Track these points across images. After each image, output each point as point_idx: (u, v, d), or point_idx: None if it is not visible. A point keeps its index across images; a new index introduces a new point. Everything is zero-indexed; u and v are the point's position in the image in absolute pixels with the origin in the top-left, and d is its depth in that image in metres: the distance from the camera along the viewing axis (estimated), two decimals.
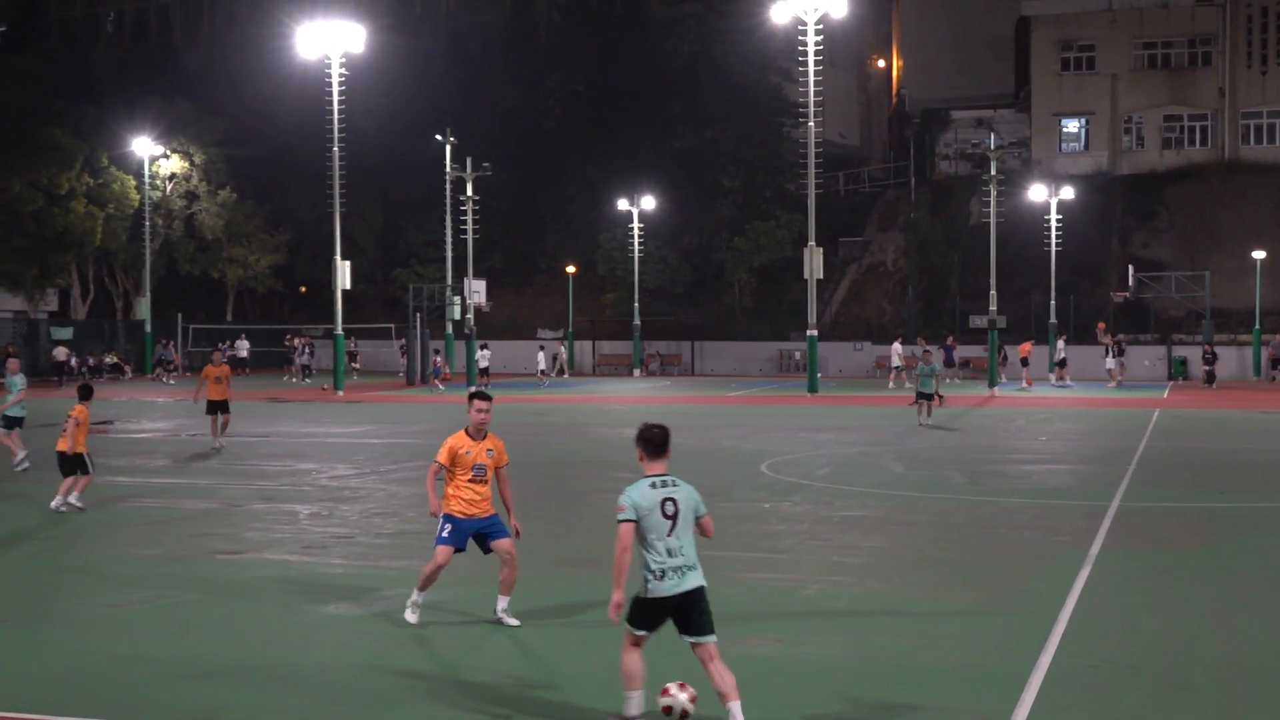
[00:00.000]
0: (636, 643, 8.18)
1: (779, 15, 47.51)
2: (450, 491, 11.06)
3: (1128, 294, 61.40)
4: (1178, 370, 60.76)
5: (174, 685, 9.52)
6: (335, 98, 48.35)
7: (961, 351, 60.49)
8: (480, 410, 11.07)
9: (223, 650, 10.46)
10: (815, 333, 49.19)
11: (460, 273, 60.00)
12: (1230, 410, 39.92)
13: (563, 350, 63.77)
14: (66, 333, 65.47)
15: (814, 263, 47.24)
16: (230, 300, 78.66)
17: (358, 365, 67.25)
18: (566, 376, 59.47)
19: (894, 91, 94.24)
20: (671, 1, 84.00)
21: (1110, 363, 54.30)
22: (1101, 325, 59.12)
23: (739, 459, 24.88)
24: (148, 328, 66.40)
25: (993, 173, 53.92)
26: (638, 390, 53.42)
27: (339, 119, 48.56)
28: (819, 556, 14.47)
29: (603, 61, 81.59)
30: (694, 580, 8.19)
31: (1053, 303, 62.44)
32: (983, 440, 29.66)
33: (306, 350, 62.80)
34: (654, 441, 8.38)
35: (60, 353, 58.47)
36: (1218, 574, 13.64)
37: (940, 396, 34.88)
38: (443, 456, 11.06)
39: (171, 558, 14.49)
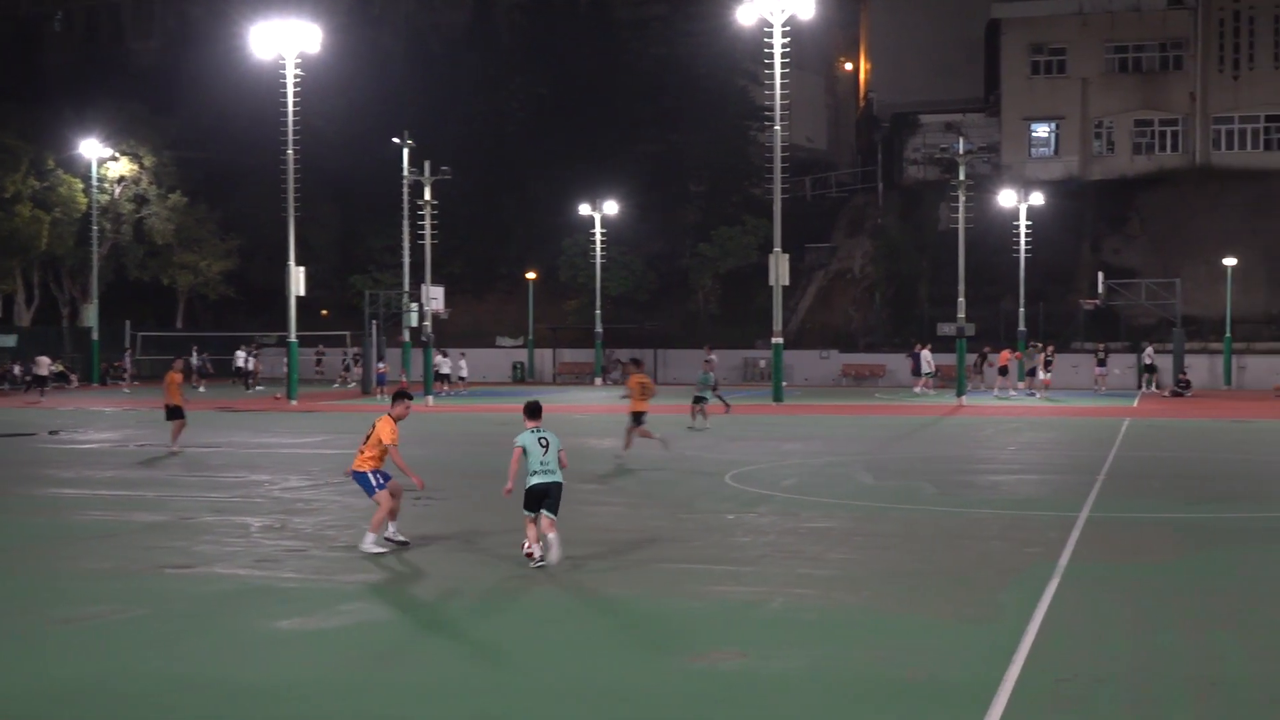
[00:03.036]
0: (533, 522, 14.41)
1: (745, 17, 47.63)
2: (376, 455, 15.64)
3: (1098, 301, 61.76)
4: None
5: (124, 702, 9.47)
6: (290, 99, 48.21)
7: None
8: (409, 406, 15.95)
9: (174, 666, 10.40)
10: (781, 340, 49.32)
11: (419, 279, 59.87)
12: (1201, 419, 40.20)
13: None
14: (10, 340, 65.01)
15: (780, 269, 47.36)
16: (181, 307, 78.26)
17: (321, 371, 67.31)
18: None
19: (862, 95, 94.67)
20: (637, 2, 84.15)
21: (1042, 374, 55.18)
22: (1036, 344, 59.75)
23: (703, 470, 24.90)
24: (95, 335, 66.02)
25: (962, 178, 54.18)
26: (599, 399, 53.39)
27: (294, 121, 48.43)
28: (785, 569, 14.49)
29: (567, 64, 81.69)
30: (552, 478, 14.40)
31: (1022, 310, 62.75)
32: (952, 450, 29.79)
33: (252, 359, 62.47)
34: (531, 411, 14.78)
35: (42, 364, 56.83)
36: (1189, 585, 13.73)
37: (728, 405, 39.68)
38: (391, 438, 15.64)
39: (121, 572, 14.40)
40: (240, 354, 64.06)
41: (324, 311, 69.97)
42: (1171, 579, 14.04)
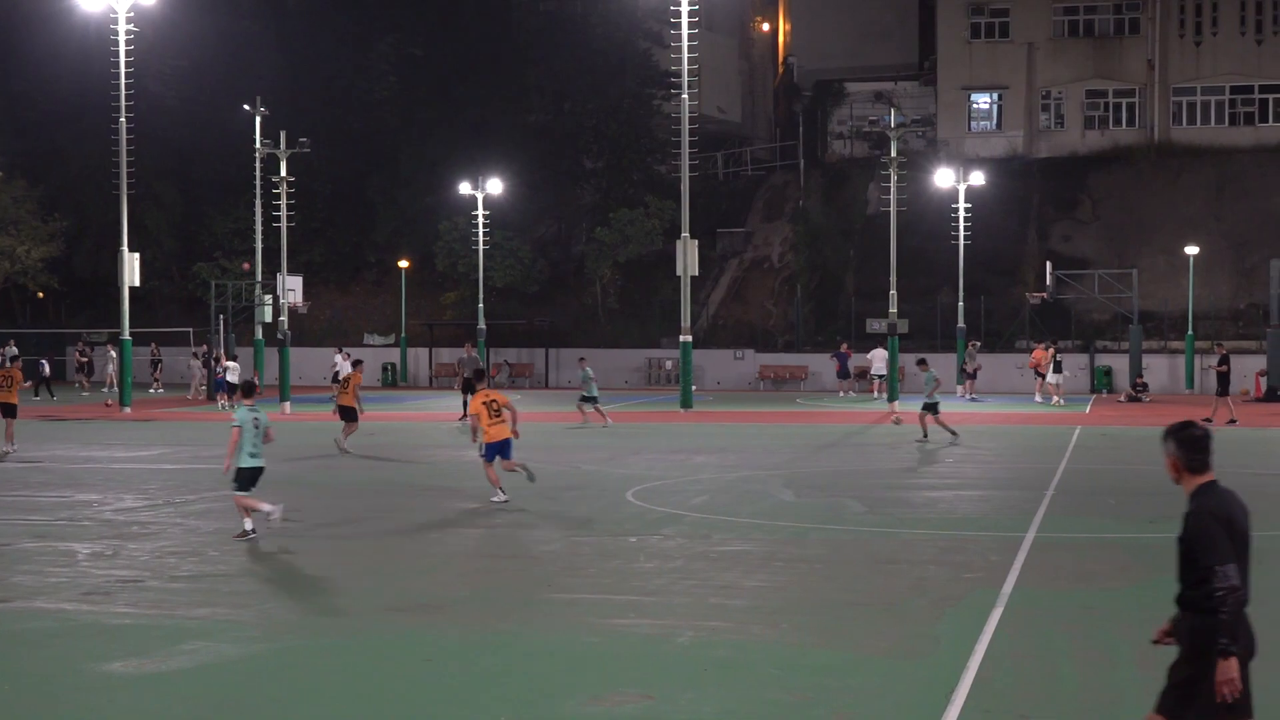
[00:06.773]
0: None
1: None
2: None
3: (1045, 295, 62.28)
4: (1101, 382, 61.71)
5: None
6: (122, 60, 47.51)
7: (857, 360, 61.03)
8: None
9: None
10: (689, 338, 49.45)
11: (273, 268, 59.31)
12: (1158, 427, 40.80)
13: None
14: None
15: (688, 257, 47.47)
16: None
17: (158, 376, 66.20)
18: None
19: (780, 60, 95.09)
20: None
21: (1053, 377, 53.09)
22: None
23: (601, 485, 24.90)
24: None
25: (893, 154, 54.57)
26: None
27: (126, 85, 47.74)
28: (694, 598, 14.54)
29: (444, 22, 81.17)
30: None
31: (961, 304, 63.16)
32: (883, 462, 30.05)
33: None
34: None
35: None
36: (1145, 613, 13.89)
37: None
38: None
39: None
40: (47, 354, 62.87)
41: (245, 264, 66.42)
42: (1124, 606, 14.26)
